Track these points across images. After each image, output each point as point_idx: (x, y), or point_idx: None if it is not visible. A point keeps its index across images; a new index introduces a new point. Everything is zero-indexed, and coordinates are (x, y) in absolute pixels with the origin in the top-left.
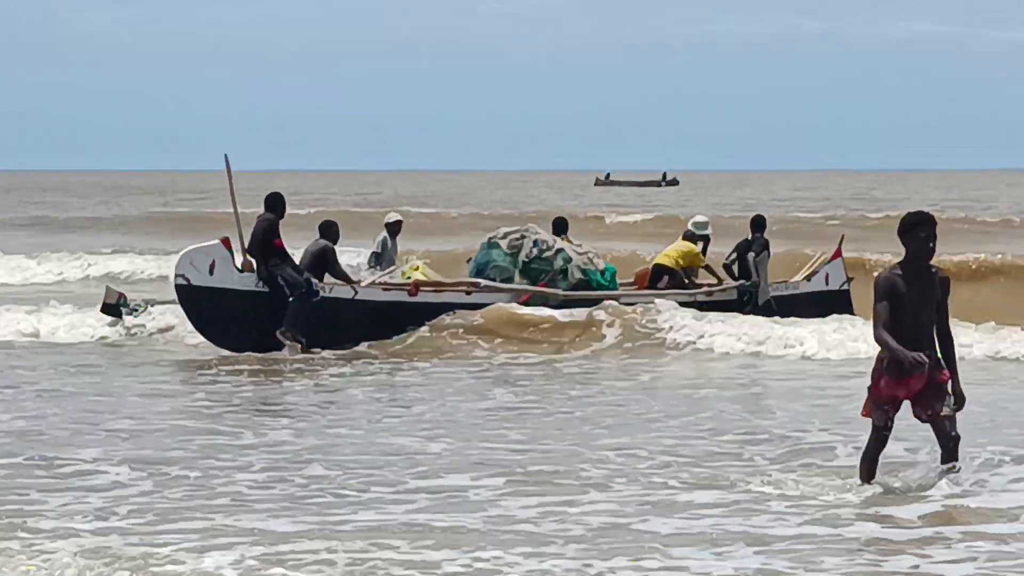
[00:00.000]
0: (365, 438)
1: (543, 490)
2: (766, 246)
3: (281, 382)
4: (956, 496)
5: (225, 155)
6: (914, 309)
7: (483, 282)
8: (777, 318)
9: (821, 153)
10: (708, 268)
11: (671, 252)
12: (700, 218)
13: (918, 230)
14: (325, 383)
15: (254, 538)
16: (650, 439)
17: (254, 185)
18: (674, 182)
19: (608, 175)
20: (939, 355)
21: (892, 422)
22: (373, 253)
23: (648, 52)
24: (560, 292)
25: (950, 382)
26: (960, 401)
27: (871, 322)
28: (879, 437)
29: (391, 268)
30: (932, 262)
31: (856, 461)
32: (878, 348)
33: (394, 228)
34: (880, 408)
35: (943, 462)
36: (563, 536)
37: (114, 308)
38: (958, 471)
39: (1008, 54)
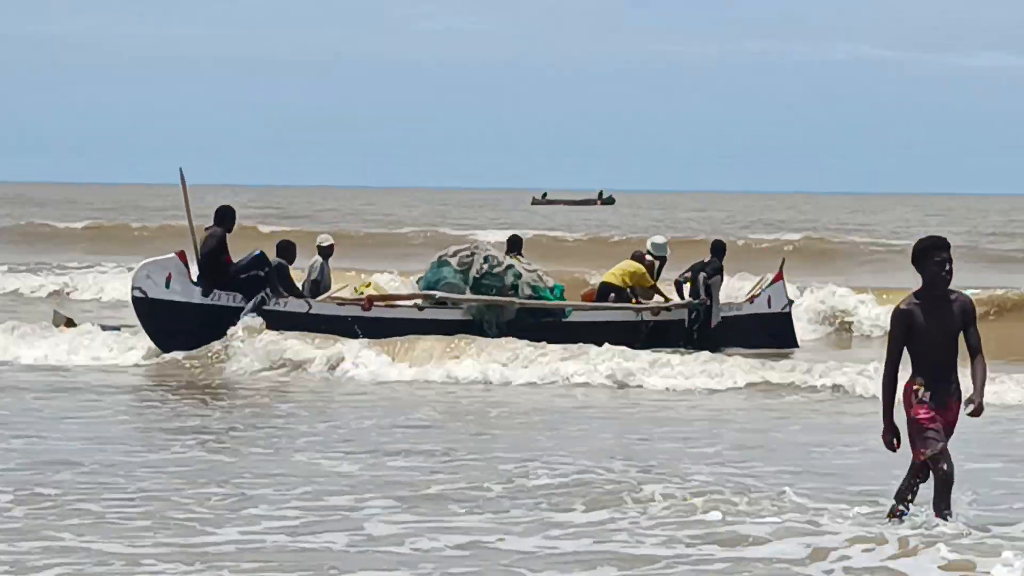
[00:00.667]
0: (275, 457)
1: (431, 508)
2: (720, 270)
3: (207, 401)
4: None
5: (180, 169)
6: (933, 339)
7: (438, 294)
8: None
9: (760, 175)
10: (655, 289)
11: (617, 271)
12: (659, 239)
13: (932, 255)
14: (253, 401)
15: (82, 559)
16: (544, 457)
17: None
18: (610, 200)
19: (545, 194)
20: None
21: (946, 444)
22: (312, 280)
23: (586, 71)
24: (517, 300)
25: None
26: (978, 410)
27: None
28: (945, 473)
29: (340, 287)
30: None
31: (733, 482)
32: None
33: (328, 252)
34: (927, 437)
35: (936, 502)
36: (419, 557)
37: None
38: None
39: (945, 78)
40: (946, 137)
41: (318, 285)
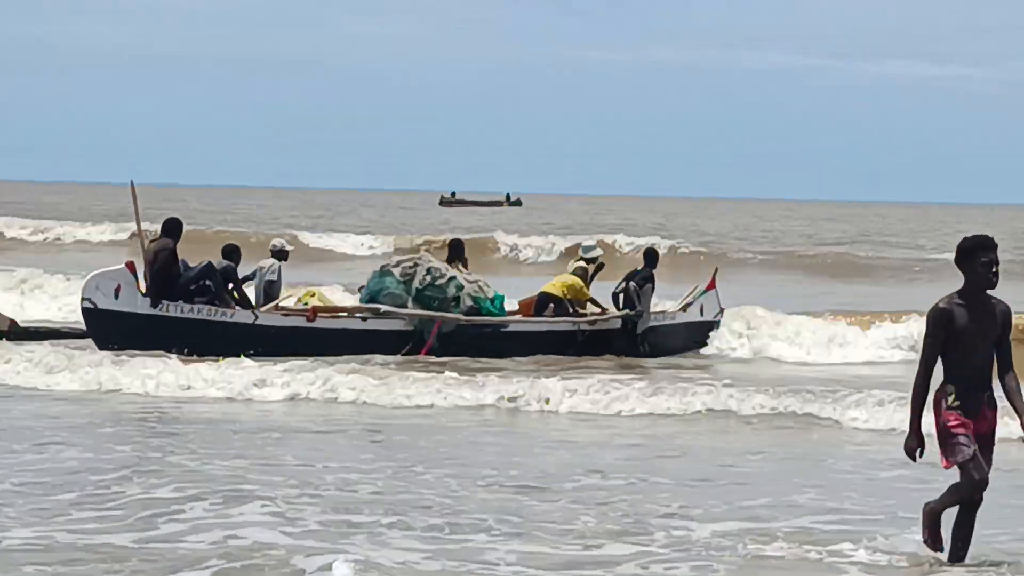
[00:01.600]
0: (130, 458)
1: (227, 509)
2: (649, 279)
3: (91, 402)
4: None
5: (131, 181)
6: (972, 344)
7: (383, 307)
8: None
9: (667, 180)
10: (593, 301)
11: (556, 282)
12: (588, 242)
13: (979, 255)
14: (131, 404)
15: None
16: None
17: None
18: (517, 202)
19: (453, 194)
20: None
21: (981, 458)
22: (268, 281)
23: (497, 75)
24: (462, 317)
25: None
26: None
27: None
28: (975, 481)
29: (285, 296)
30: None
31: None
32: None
33: (284, 256)
34: (957, 443)
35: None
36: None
37: (5, 334)
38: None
39: (852, 86)
40: (853, 144)
41: (273, 286)
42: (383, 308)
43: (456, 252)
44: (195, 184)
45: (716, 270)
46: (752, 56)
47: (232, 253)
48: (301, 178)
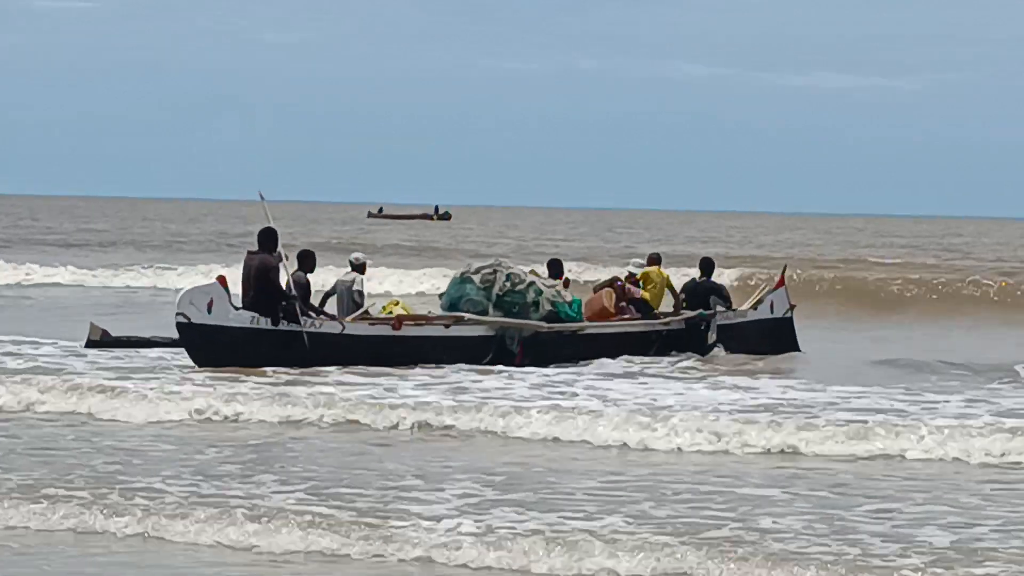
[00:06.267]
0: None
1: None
2: (721, 289)
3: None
4: None
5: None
6: None
7: (467, 315)
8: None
9: (596, 190)
10: (672, 289)
11: (659, 280)
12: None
13: None
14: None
15: None
16: None
17: None
18: (446, 216)
19: (381, 208)
20: None
21: None
22: (357, 291)
23: (423, 86)
24: (545, 324)
25: None
26: None
27: None
28: None
29: (367, 306)
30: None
31: None
32: None
33: (362, 268)
34: None
35: None
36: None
37: (98, 343)
38: None
39: (775, 97)
40: (778, 155)
41: (361, 297)
42: (467, 316)
43: (555, 271)
44: (100, 195)
45: (785, 267)
46: (679, 67)
47: (306, 259)
48: (219, 190)
